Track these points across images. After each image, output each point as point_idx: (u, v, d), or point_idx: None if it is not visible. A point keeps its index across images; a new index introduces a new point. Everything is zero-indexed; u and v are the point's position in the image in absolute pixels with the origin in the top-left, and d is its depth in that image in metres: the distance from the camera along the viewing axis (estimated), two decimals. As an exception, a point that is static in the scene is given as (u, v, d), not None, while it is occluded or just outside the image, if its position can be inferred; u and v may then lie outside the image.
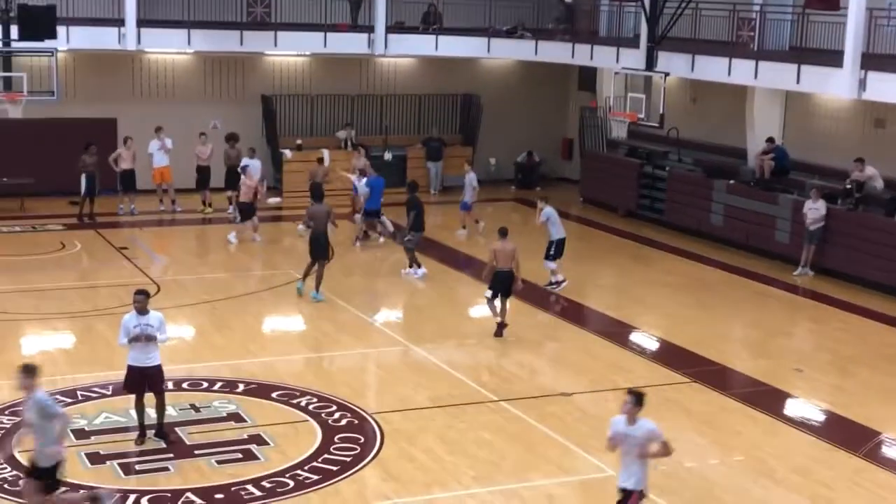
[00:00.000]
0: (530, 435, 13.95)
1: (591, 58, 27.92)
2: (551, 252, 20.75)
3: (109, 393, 14.63)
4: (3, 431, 13.37)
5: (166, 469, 12.57)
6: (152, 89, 29.15)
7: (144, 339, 12.75)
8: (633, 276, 22.56)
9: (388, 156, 30.20)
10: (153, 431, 13.22)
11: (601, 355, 17.31)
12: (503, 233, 18.05)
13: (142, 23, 26.79)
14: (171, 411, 13.75)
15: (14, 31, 23.88)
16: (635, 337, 18.50)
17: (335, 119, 30.62)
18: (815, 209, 22.09)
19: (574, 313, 19.65)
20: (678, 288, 21.78)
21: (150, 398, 13.17)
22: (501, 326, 17.90)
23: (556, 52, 29.01)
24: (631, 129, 26.29)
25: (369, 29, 29.12)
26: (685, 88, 28.23)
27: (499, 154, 31.88)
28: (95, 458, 12.75)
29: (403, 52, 30.12)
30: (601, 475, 12.75)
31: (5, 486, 11.96)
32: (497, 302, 17.95)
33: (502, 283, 17.83)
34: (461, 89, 31.87)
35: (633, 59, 25.60)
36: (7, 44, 24.20)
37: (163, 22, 27.67)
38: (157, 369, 13.03)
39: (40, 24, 23.64)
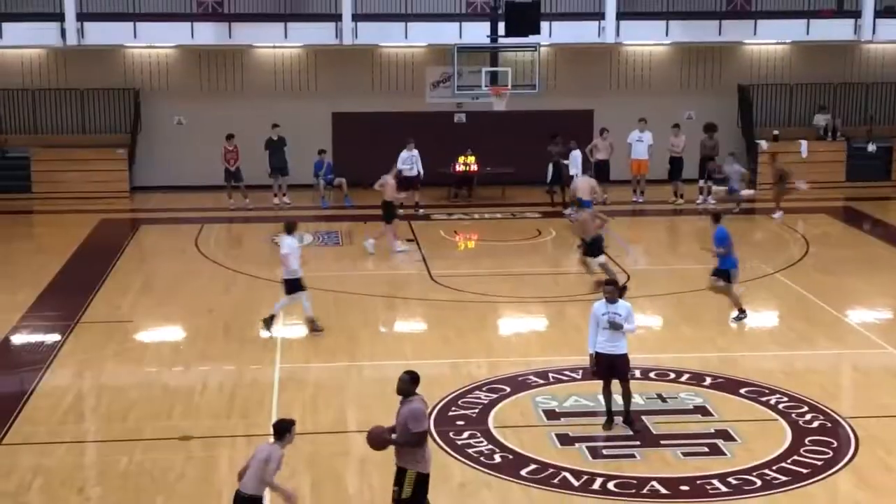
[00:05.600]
0: None
1: None
2: None
3: (579, 377, 14.97)
4: (489, 401, 14.09)
5: (632, 456, 12.65)
6: (628, 81, 29.54)
7: (612, 327, 12.96)
8: None
9: (871, 147, 28.64)
10: (620, 418, 13.38)
11: None
12: None
13: (621, 16, 27.23)
14: (637, 399, 13.85)
15: (501, 27, 25.13)
16: None
17: (814, 108, 29.46)
18: None
19: None
20: None
21: (616, 385, 13.35)
22: None
23: None
24: None
25: (856, 14, 27.63)
26: None
27: None
28: (565, 440, 13.08)
29: (894, 38, 28.32)
30: None
31: None
32: None
33: None
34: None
35: None
36: (494, 40, 25.53)
37: (642, 14, 27.96)
38: (624, 358, 13.18)
39: (525, 20, 24.73)
